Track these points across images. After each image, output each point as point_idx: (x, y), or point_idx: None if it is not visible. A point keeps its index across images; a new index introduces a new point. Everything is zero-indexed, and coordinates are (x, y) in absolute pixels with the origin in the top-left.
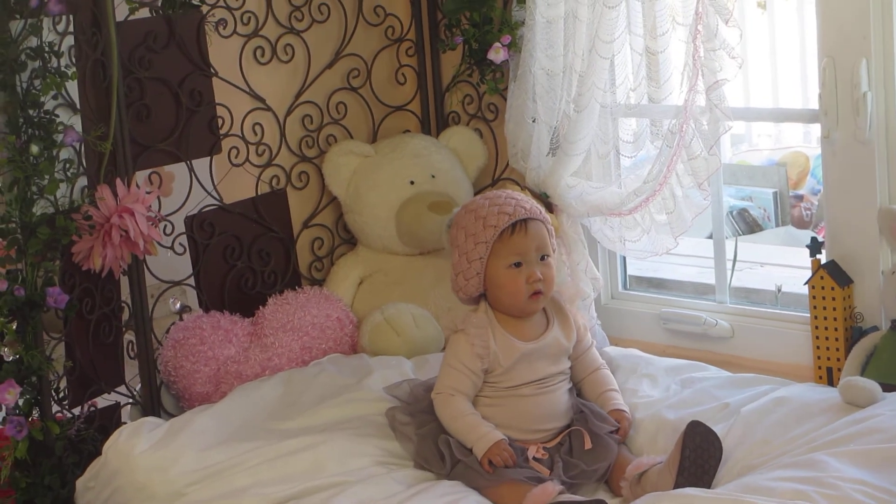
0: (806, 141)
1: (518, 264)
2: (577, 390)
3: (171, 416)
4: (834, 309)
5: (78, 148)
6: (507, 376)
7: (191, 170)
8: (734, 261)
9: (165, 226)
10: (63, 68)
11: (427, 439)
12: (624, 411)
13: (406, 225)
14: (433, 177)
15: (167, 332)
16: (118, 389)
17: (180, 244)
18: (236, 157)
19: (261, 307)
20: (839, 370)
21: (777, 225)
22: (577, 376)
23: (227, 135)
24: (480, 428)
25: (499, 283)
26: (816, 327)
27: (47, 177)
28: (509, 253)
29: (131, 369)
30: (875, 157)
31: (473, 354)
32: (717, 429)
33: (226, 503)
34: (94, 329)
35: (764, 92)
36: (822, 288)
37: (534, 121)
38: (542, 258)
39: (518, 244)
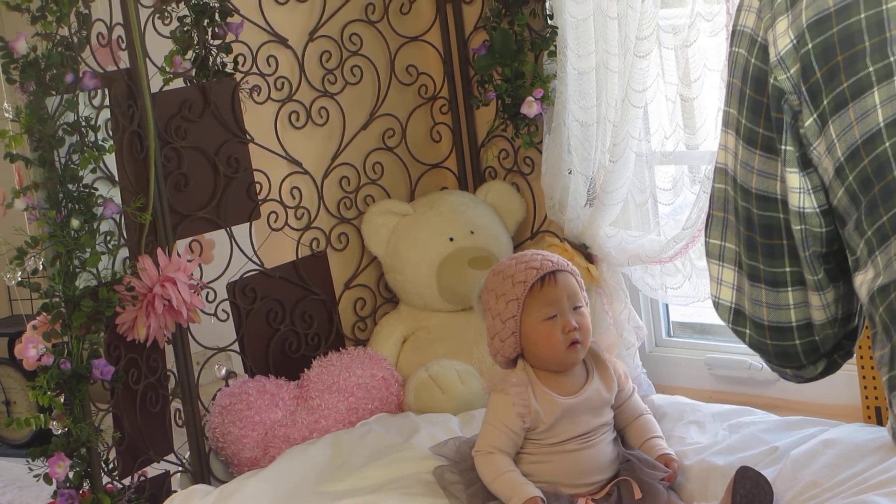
0: None
1: (552, 316)
2: (620, 438)
3: (221, 482)
4: None
5: (118, 220)
6: (551, 433)
7: (231, 236)
8: None
9: (208, 293)
10: (100, 142)
11: (476, 498)
12: (671, 454)
13: (447, 282)
14: (472, 232)
15: (213, 398)
16: (167, 458)
17: (223, 310)
18: (275, 221)
19: (306, 370)
20: (888, 409)
21: None
22: (620, 424)
23: (265, 200)
24: (517, 486)
25: (535, 338)
26: (863, 367)
27: (89, 250)
28: (542, 306)
29: (179, 437)
30: None
31: (514, 414)
32: (767, 473)
33: None
34: (140, 399)
35: None
36: (867, 326)
37: (570, 172)
38: (575, 308)
39: (549, 295)
